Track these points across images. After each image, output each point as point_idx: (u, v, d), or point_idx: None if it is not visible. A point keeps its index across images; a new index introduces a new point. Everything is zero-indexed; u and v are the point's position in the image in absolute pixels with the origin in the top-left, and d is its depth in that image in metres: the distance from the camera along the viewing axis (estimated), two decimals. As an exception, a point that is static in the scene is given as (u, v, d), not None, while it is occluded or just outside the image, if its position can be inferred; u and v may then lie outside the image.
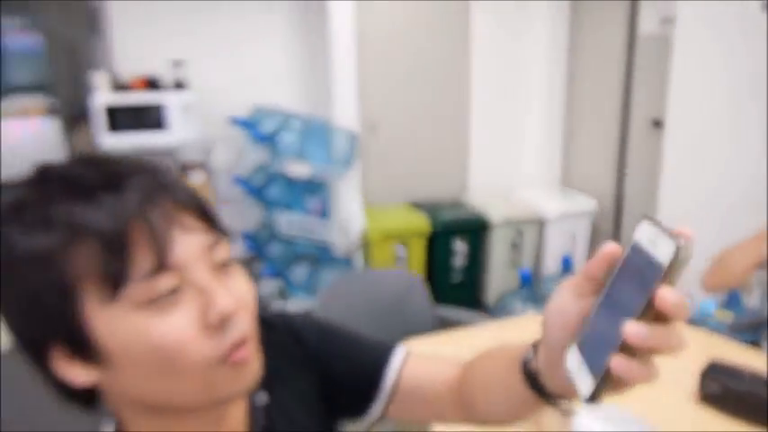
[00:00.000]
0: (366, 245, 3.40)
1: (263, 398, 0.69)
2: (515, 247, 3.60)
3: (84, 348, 0.52)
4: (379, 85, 3.64)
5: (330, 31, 3.31)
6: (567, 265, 2.96)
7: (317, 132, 3.21)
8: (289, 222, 3.26)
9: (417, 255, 3.44)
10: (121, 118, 3.26)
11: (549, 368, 0.54)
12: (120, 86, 3.23)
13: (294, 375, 0.76)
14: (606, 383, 0.44)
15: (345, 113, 3.42)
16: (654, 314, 0.42)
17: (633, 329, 0.42)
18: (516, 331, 1.72)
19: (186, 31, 3.44)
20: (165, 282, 0.52)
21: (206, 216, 0.57)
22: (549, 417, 1.13)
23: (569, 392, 0.53)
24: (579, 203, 3.65)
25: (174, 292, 0.52)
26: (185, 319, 0.52)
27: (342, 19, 3.30)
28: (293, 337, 0.77)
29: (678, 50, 2.78)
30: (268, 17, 3.60)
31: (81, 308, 0.51)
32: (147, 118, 3.31)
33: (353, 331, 0.82)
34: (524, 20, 3.79)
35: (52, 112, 3.10)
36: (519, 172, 4.07)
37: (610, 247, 0.49)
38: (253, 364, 0.57)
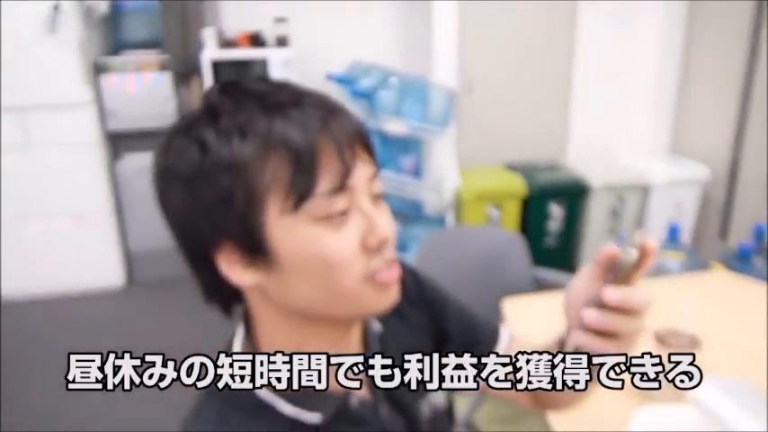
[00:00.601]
0: (459, 205, 3.37)
1: (377, 326, 0.73)
2: (615, 213, 3.45)
3: (257, 251, 0.56)
4: (479, 43, 3.53)
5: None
6: (673, 235, 2.79)
7: (414, 90, 3.18)
8: (382, 180, 3.28)
9: (511, 217, 3.37)
10: (226, 73, 3.38)
11: (571, 346, 0.64)
12: (226, 43, 3.35)
13: (413, 317, 0.79)
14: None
15: (444, 72, 3.36)
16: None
17: (587, 315, 0.57)
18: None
19: (288, -13, 3.48)
20: (342, 202, 0.56)
21: (369, 147, 0.60)
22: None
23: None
24: (689, 170, 3.42)
25: (345, 212, 0.57)
26: (351, 239, 0.57)
27: (443, -27, 3.22)
28: (417, 286, 0.80)
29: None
30: (368, -27, 3.57)
31: (264, 214, 0.55)
32: (251, 74, 3.41)
33: (463, 303, 0.85)
34: (639, -29, 3.53)
35: (164, 67, 3.26)
36: (623, 136, 3.85)
37: (611, 248, 0.60)
38: (395, 286, 0.62)
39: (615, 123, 3.85)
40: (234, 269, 0.58)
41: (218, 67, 3.36)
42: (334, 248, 0.56)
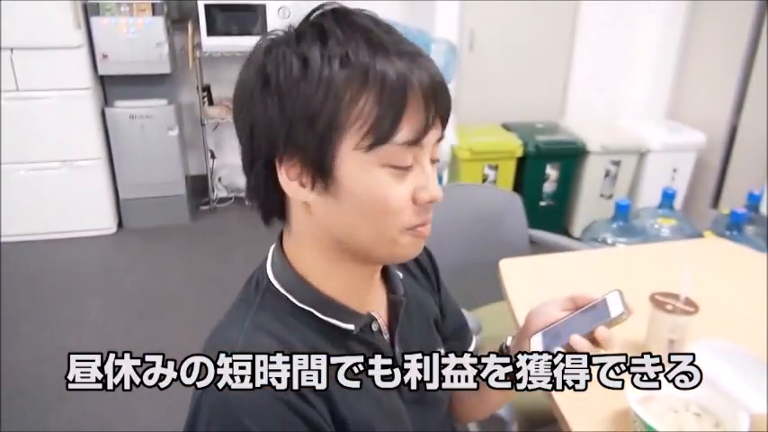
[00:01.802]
0: (455, 164, 3.36)
1: (399, 273, 0.78)
2: (609, 176, 3.45)
3: (322, 174, 0.59)
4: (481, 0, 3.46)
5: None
6: (667, 200, 2.80)
7: (415, 42, 3.11)
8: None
9: (507, 176, 3.37)
10: (221, 19, 3.29)
11: (515, 348, 0.79)
12: (222, -13, 3.25)
13: (426, 284, 0.86)
14: None
15: (446, 26, 3.28)
16: (593, 338, 0.68)
17: (579, 343, 0.68)
18: (607, 263, 1.66)
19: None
20: (411, 156, 0.60)
21: (448, 112, 0.62)
22: (656, 344, 1.10)
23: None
24: (685, 136, 3.41)
25: (410, 166, 0.60)
26: (406, 191, 0.61)
27: None
28: (432, 264, 0.88)
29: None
30: None
31: (340, 143, 0.58)
32: (246, 23, 3.32)
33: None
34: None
35: (158, 11, 3.15)
36: (622, 100, 3.83)
37: (589, 294, 0.75)
38: (423, 242, 0.66)
39: (615, 87, 3.82)
40: (292, 183, 0.61)
41: (212, 11, 3.27)
42: (392, 196, 0.60)
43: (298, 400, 0.58)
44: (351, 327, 0.67)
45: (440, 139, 0.63)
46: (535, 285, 1.43)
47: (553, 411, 1.03)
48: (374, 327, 0.71)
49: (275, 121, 0.58)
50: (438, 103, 0.59)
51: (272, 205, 0.66)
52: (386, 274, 0.76)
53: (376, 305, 0.73)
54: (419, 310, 0.81)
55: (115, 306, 2.79)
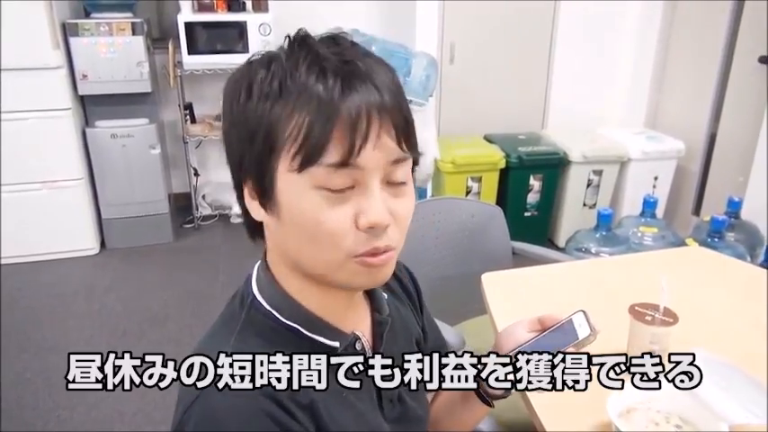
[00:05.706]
0: (438, 177, 3.37)
1: (384, 294, 0.78)
2: (591, 185, 3.48)
3: (264, 194, 0.62)
4: (461, 12, 3.49)
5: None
6: (648, 208, 2.82)
7: (396, 58, 3.12)
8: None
9: (490, 188, 3.38)
10: (202, 37, 3.30)
11: None
12: (202, 6, 3.26)
13: (408, 306, 0.87)
14: None
15: (426, 40, 3.31)
16: None
17: None
18: (589, 274, 1.67)
19: (267, -51, 3.37)
20: (342, 178, 0.58)
21: (401, 131, 0.60)
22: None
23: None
24: (665, 144, 3.45)
25: (344, 189, 0.58)
26: (345, 214, 0.59)
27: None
28: (416, 289, 0.89)
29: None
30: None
31: (277, 164, 0.59)
32: (227, 40, 3.33)
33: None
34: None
35: (137, 30, 3.15)
36: (602, 110, 3.87)
37: (555, 315, 0.79)
38: (385, 269, 0.64)
39: (594, 97, 3.86)
40: (252, 203, 0.64)
41: (193, 29, 3.27)
42: (327, 219, 0.59)
43: (282, 414, 0.59)
44: (336, 344, 0.67)
45: (399, 161, 0.60)
46: (517, 299, 1.44)
47: (534, 424, 1.03)
48: (358, 346, 0.71)
49: (231, 143, 0.63)
50: (370, 125, 0.57)
51: (253, 223, 0.67)
52: (370, 293, 0.76)
53: (359, 324, 0.73)
54: (403, 329, 0.81)
55: (98, 326, 2.76)
